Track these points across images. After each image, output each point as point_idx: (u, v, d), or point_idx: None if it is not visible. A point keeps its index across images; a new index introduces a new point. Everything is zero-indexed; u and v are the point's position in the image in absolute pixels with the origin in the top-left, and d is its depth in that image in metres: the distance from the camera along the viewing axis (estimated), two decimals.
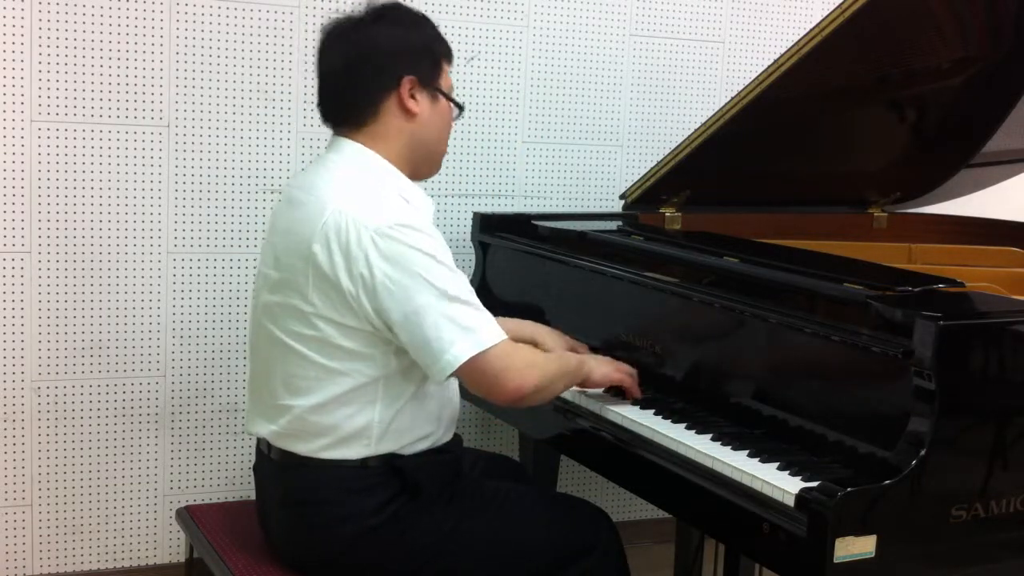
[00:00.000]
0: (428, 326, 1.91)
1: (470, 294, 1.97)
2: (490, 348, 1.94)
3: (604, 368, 2.17)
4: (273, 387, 2.05)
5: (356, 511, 2.00)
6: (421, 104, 2.07)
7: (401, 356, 1.99)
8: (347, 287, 1.92)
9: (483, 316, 1.97)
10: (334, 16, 2.11)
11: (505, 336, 1.98)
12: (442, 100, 2.11)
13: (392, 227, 1.92)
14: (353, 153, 2.06)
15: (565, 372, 2.11)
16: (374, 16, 2.08)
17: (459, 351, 1.92)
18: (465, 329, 1.92)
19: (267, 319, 2.05)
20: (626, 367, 2.21)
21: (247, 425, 2.16)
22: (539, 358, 2.09)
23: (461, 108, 2.16)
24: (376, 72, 2.05)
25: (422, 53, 2.09)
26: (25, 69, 2.71)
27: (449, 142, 2.18)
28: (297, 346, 1.99)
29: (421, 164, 2.12)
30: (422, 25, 2.12)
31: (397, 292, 1.91)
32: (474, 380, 1.97)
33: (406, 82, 2.05)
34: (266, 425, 2.07)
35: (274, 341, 2.03)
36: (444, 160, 2.19)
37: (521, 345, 2.06)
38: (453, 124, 2.17)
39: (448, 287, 1.93)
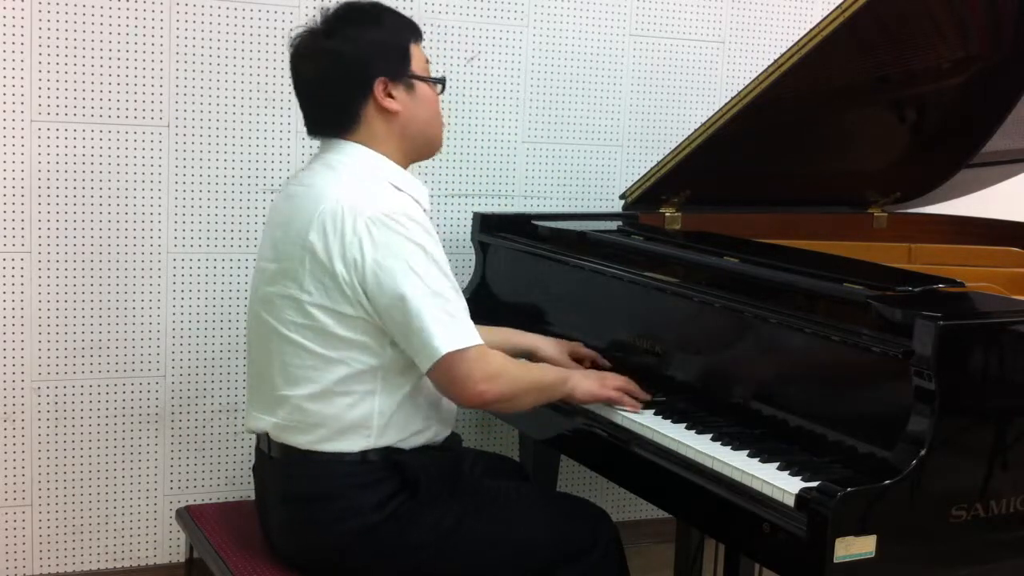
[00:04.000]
0: (412, 314, 1.92)
1: (453, 292, 1.98)
2: (466, 348, 1.94)
3: (588, 385, 2.15)
4: (272, 378, 2.06)
5: (357, 507, 2.00)
6: (400, 100, 2.07)
7: (397, 347, 1.99)
8: (341, 272, 1.94)
9: (463, 316, 1.97)
10: (295, 30, 2.09)
11: (481, 341, 1.98)
12: (420, 85, 2.10)
13: (387, 215, 1.94)
14: (349, 150, 2.07)
15: (539, 387, 2.10)
16: (330, 26, 2.06)
17: (439, 344, 1.92)
18: (444, 325, 1.93)
19: (265, 311, 2.06)
20: (615, 382, 2.17)
21: (247, 421, 2.17)
22: (511, 369, 2.04)
23: (443, 82, 2.14)
24: (346, 83, 2.04)
25: (386, 48, 2.07)
26: (25, 69, 2.71)
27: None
28: (294, 336, 2.00)
29: (421, 149, 2.13)
30: (379, 18, 2.09)
31: (384, 278, 1.92)
32: (442, 378, 1.97)
33: (379, 84, 2.04)
34: (266, 418, 2.07)
35: (272, 332, 2.04)
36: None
37: (497, 353, 2.03)
38: (440, 98, 2.15)
39: (433, 281, 1.94)
